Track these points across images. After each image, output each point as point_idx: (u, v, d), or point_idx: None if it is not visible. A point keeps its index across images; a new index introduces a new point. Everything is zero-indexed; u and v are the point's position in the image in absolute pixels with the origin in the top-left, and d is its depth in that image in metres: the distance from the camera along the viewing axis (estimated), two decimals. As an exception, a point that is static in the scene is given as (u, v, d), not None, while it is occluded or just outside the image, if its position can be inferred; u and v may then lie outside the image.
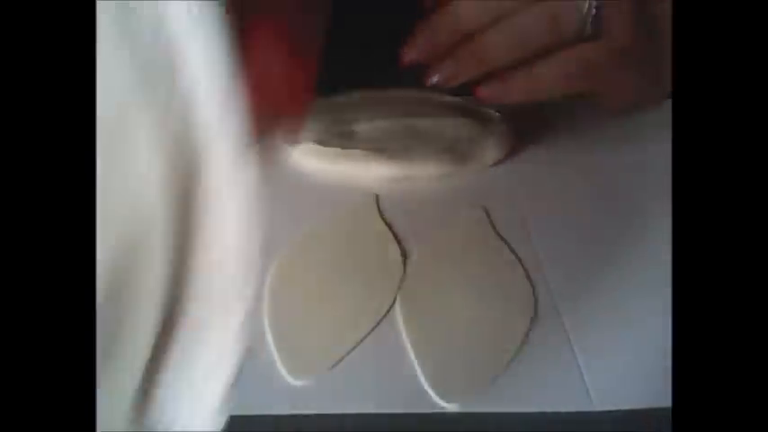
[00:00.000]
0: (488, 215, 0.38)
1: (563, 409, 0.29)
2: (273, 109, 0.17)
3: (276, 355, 0.30)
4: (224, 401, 0.16)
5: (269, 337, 0.31)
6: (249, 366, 0.30)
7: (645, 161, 0.41)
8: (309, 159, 0.40)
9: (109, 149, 0.14)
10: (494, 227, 0.37)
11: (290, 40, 0.17)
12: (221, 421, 0.16)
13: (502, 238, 0.36)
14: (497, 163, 0.41)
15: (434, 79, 0.38)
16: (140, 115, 0.14)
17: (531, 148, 0.42)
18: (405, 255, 0.35)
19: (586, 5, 0.36)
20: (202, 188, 0.15)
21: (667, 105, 0.42)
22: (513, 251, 0.36)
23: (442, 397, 0.29)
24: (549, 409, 0.29)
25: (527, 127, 0.42)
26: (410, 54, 0.38)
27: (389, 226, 0.37)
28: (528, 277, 0.34)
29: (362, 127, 0.42)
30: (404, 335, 0.32)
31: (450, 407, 0.29)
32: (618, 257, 0.36)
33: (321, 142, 0.40)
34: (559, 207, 0.39)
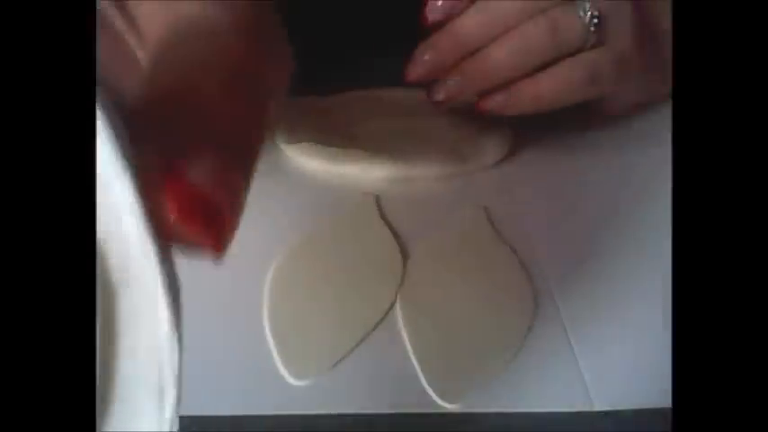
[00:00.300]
0: (488, 215, 0.38)
1: (563, 409, 0.29)
2: (195, 238, 0.16)
3: (276, 356, 0.30)
4: None
5: (269, 338, 0.31)
6: (249, 366, 0.30)
7: (645, 161, 0.41)
8: (309, 159, 0.40)
9: None
10: (494, 227, 0.37)
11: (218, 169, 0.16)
12: None
13: (502, 238, 0.36)
14: (497, 163, 0.41)
15: (439, 96, 0.38)
16: None
17: (531, 148, 0.42)
18: (405, 255, 0.35)
19: (588, 15, 0.36)
20: (122, 308, 0.15)
21: (667, 106, 0.42)
22: (513, 251, 0.36)
23: (442, 397, 0.29)
24: (549, 409, 0.29)
25: (527, 127, 0.42)
26: (414, 72, 0.38)
27: (389, 226, 0.37)
28: (528, 277, 0.34)
29: (363, 127, 0.42)
30: (404, 335, 0.32)
31: (451, 407, 0.29)
32: (618, 257, 0.36)
33: (321, 142, 0.40)
34: (559, 207, 0.39)
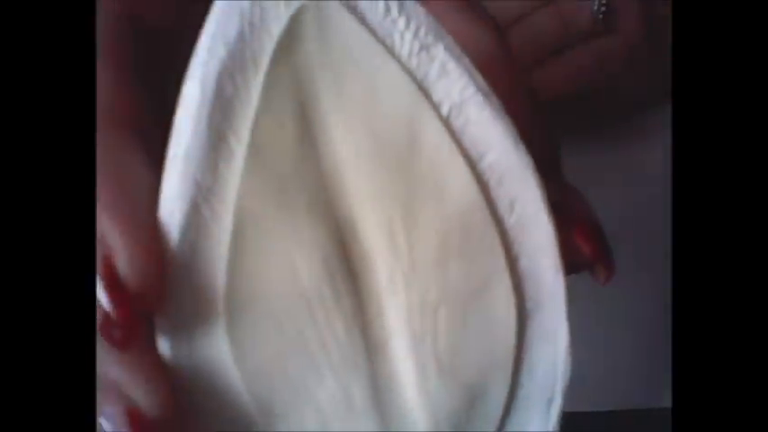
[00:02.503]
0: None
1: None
2: None
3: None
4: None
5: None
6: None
7: (645, 160, 0.41)
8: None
9: None
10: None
11: None
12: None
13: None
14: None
15: None
16: None
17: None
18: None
19: (596, 3, 0.36)
20: (531, 331, 0.17)
21: (667, 105, 0.42)
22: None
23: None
24: (549, 409, 0.29)
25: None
26: None
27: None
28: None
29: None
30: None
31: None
32: (618, 256, 0.36)
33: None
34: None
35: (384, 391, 0.16)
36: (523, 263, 0.16)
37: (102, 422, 0.15)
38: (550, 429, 0.17)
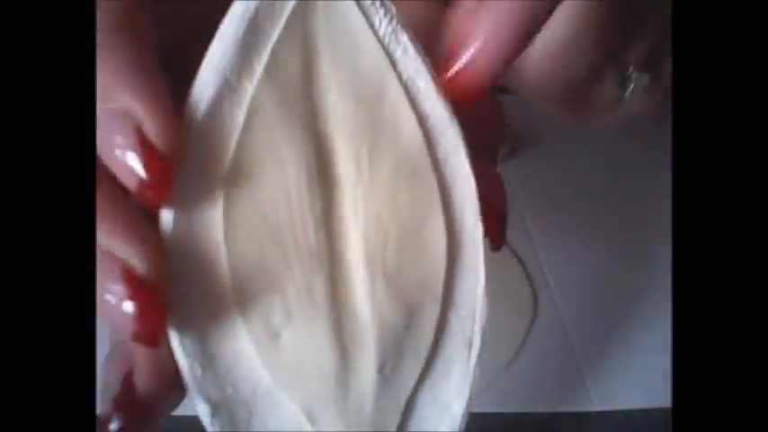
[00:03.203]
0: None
1: (563, 409, 0.29)
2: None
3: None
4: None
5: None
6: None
7: (645, 160, 0.41)
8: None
9: None
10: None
11: None
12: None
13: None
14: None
15: None
16: None
17: (530, 148, 0.42)
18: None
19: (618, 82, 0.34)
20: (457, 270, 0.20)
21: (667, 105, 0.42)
22: (513, 251, 0.36)
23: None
24: (549, 410, 0.29)
25: (527, 127, 0.42)
26: None
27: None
28: (528, 277, 0.34)
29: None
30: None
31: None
32: (618, 256, 0.36)
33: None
34: (559, 207, 0.39)
35: (341, 293, 0.19)
36: (454, 206, 0.20)
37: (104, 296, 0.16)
38: (472, 371, 0.19)
